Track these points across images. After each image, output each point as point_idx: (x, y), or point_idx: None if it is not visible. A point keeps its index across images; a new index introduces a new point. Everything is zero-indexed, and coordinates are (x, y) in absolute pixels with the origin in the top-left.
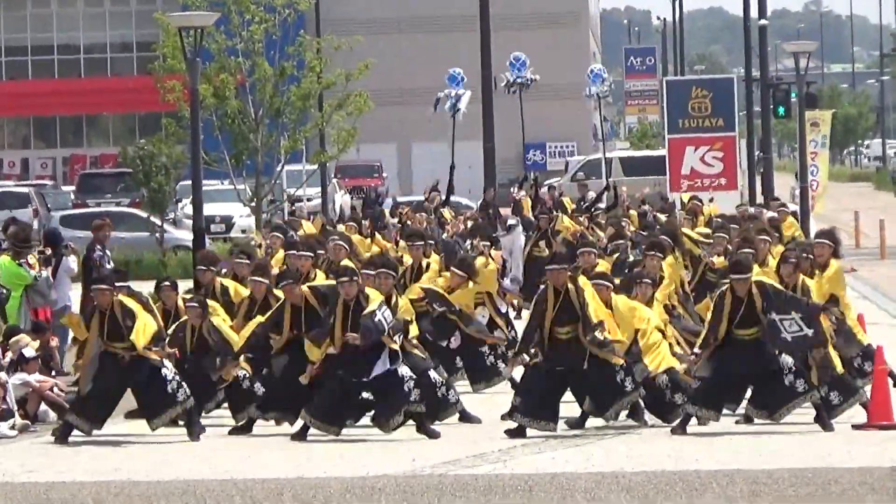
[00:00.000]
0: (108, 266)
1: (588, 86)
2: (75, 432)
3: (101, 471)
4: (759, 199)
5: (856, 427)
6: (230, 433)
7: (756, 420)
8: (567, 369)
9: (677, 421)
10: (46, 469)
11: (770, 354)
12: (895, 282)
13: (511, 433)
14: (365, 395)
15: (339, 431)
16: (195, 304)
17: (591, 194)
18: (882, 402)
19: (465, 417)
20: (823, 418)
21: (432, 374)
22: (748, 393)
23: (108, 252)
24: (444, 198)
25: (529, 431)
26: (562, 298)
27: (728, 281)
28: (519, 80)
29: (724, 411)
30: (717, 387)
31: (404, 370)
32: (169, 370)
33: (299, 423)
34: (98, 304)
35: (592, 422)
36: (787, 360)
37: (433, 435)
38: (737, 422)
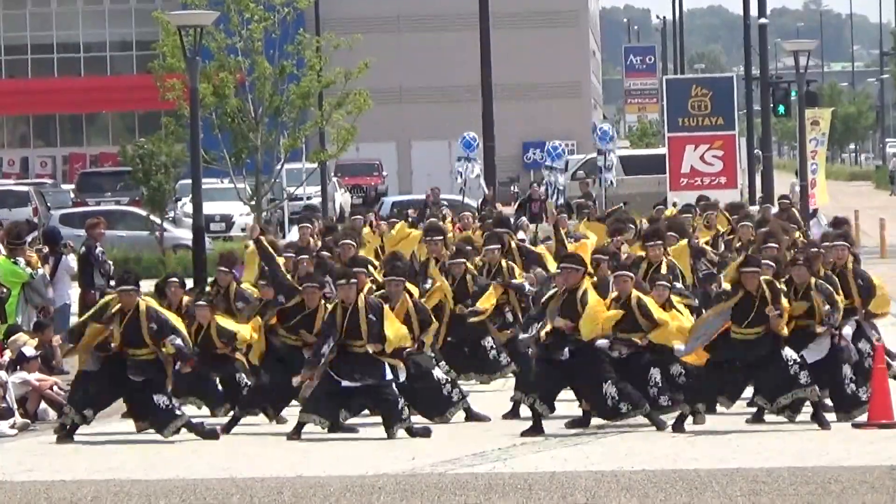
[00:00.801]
0: (109, 264)
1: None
2: (78, 432)
3: (101, 469)
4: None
5: (856, 426)
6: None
7: (762, 409)
8: (567, 364)
9: (675, 419)
10: (46, 468)
11: (771, 347)
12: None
13: (527, 432)
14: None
15: (333, 424)
16: (203, 304)
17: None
18: (882, 401)
19: (473, 416)
20: (821, 416)
21: (436, 372)
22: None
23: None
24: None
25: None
26: (567, 298)
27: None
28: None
29: (723, 409)
30: (713, 380)
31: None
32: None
33: (294, 421)
34: (123, 306)
35: (593, 421)
36: (790, 353)
37: (426, 434)
38: (747, 420)
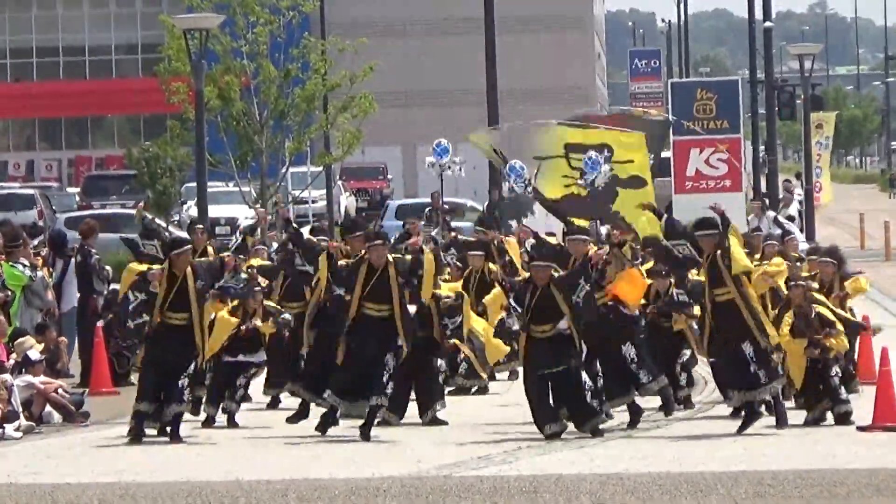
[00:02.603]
0: (107, 269)
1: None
2: (83, 435)
3: (106, 472)
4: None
5: (861, 428)
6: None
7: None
8: (547, 373)
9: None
10: (51, 471)
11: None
12: None
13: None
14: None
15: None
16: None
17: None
18: (887, 404)
19: (434, 420)
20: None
21: (438, 361)
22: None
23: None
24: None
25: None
26: (540, 295)
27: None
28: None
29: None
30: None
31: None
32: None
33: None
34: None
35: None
36: (748, 349)
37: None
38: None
